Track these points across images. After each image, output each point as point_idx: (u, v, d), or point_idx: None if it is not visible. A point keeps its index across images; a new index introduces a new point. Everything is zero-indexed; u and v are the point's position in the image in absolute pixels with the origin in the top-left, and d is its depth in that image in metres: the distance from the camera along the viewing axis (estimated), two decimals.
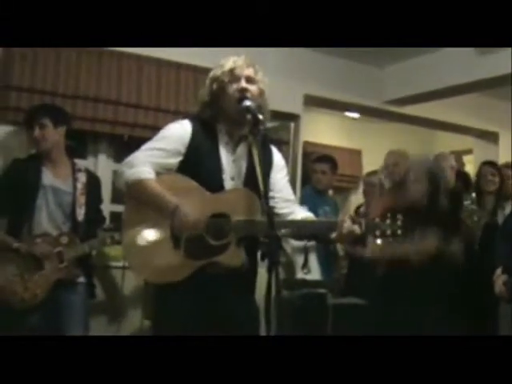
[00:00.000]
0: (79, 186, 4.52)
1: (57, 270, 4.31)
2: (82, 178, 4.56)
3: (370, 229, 3.02)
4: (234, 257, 3.06)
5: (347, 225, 3.01)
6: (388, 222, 3.00)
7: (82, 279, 4.48)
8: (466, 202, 5.66)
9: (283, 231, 3.31)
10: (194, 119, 3.23)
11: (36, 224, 4.36)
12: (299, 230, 3.34)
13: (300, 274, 5.49)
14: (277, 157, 3.38)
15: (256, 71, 3.21)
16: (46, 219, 4.40)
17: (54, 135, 4.47)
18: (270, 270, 2.64)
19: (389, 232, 2.99)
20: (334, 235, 3.10)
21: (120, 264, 5.05)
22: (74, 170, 4.58)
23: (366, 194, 6.54)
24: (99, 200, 4.78)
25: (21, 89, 5.00)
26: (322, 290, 5.54)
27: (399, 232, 2.99)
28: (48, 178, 4.44)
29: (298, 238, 3.79)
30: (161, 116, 5.47)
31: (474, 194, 5.86)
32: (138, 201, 3.15)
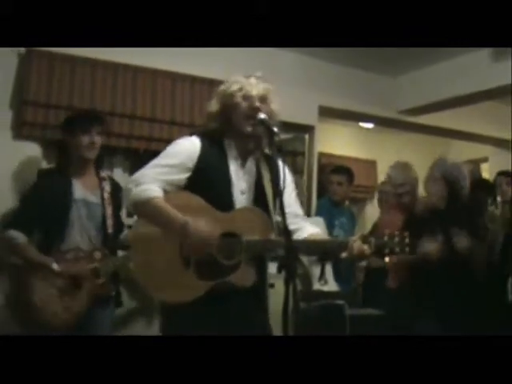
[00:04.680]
0: (106, 195, 4.46)
1: (94, 286, 4.24)
2: (106, 187, 4.51)
3: (379, 248, 3.02)
4: (244, 276, 3.05)
5: (357, 245, 3.01)
6: (396, 240, 3.00)
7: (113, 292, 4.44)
8: (490, 207, 5.64)
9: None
10: (202, 134, 3.22)
11: (68, 238, 4.29)
12: (310, 248, 3.32)
13: (317, 286, 5.48)
14: (284, 171, 3.35)
15: (269, 91, 3.20)
16: (79, 233, 4.34)
17: (99, 144, 4.45)
18: (287, 282, 2.64)
19: (397, 250, 3.00)
20: (344, 254, 3.09)
21: None
22: (100, 180, 4.53)
23: (380, 202, 6.53)
24: (120, 207, 4.68)
25: (37, 104, 5.01)
26: (339, 301, 5.52)
27: (407, 249, 3.00)
28: (79, 191, 4.39)
29: (308, 255, 3.77)
30: (176, 129, 5.48)
31: (499, 198, 5.85)
32: (146, 220, 3.14)
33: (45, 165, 5.16)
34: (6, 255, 4.45)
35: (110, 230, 4.42)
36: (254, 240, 3.04)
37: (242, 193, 3.18)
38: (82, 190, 4.40)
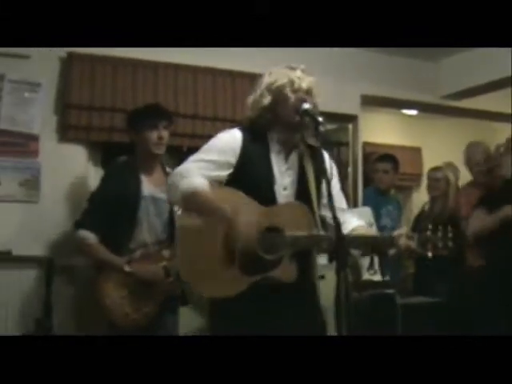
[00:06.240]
0: None
1: (165, 285, 4.20)
2: None
3: (422, 242, 3.01)
4: (286, 271, 3.03)
5: (403, 241, 3.02)
6: (439, 234, 2.98)
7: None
8: None
9: None
10: (244, 128, 3.23)
11: (136, 236, 4.26)
12: (355, 243, 3.28)
13: (366, 276, 5.47)
14: (328, 164, 3.29)
15: (314, 84, 3.20)
16: (147, 230, 4.30)
17: (167, 139, 4.39)
18: (338, 272, 2.63)
19: (440, 245, 2.98)
20: (392, 251, 3.09)
21: None
22: (167, 176, 4.34)
23: (430, 189, 6.48)
24: None
25: (80, 106, 5.06)
26: (389, 291, 5.50)
27: (450, 244, 2.97)
28: (147, 187, 4.34)
29: (354, 248, 3.68)
30: (218, 125, 5.46)
31: None
32: (192, 211, 3.13)
33: (91, 166, 5.22)
34: (77, 255, 4.49)
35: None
36: (296, 235, 3.02)
37: (285, 188, 3.17)
38: (149, 186, 4.36)
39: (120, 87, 5.23)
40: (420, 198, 7.74)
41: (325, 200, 3.18)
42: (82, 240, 4.28)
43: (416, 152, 9.14)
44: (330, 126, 5.86)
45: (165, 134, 4.37)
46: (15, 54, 4.84)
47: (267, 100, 3.17)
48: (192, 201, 3.07)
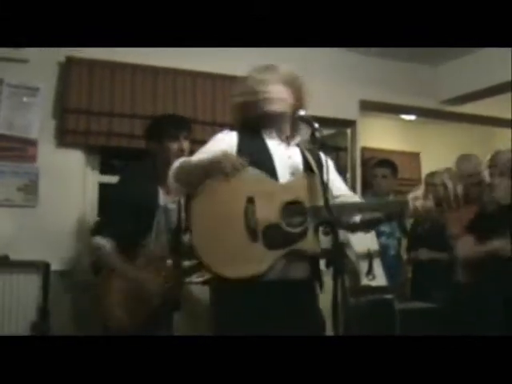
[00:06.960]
0: (182, 201, 4.27)
1: (163, 291, 4.11)
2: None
3: (437, 199, 3.02)
4: (312, 243, 3.02)
5: (420, 203, 3.05)
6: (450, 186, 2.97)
7: None
8: None
9: (350, 220, 3.25)
10: (239, 128, 3.25)
11: (143, 245, 4.20)
12: (372, 209, 3.26)
13: (365, 281, 5.45)
14: (324, 159, 3.27)
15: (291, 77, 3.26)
16: (154, 239, 4.22)
17: (187, 150, 4.28)
18: (335, 278, 2.62)
19: (452, 198, 2.97)
20: (409, 214, 3.07)
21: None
22: None
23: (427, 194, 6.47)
24: None
25: (78, 111, 5.07)
26: (388, 296, 5.49)
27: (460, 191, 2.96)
28: (162, 197, 4.27)
29: (366, 224, 3.58)
30: (218, 130, 5.42)
31: None
32: (189, 181, 3.11)
33: (89, 171, 5.22)
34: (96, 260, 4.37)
35: (183, 235, 4.24)
36: (317, 205, 3.00)
37: (292, 174, 3.15)
38: (164, 196, 4.28)
39: (118, 92, 5.23)
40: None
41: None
42: (97, 247, 4.20)
43: (415, 157, 9.14)
44: (328, 131, 5.87)
45: (186, 145, 4.29)
46: (14, 58, 4.86)
47: (251, 100, 3.22)
48: (182, 172, 3.11)
